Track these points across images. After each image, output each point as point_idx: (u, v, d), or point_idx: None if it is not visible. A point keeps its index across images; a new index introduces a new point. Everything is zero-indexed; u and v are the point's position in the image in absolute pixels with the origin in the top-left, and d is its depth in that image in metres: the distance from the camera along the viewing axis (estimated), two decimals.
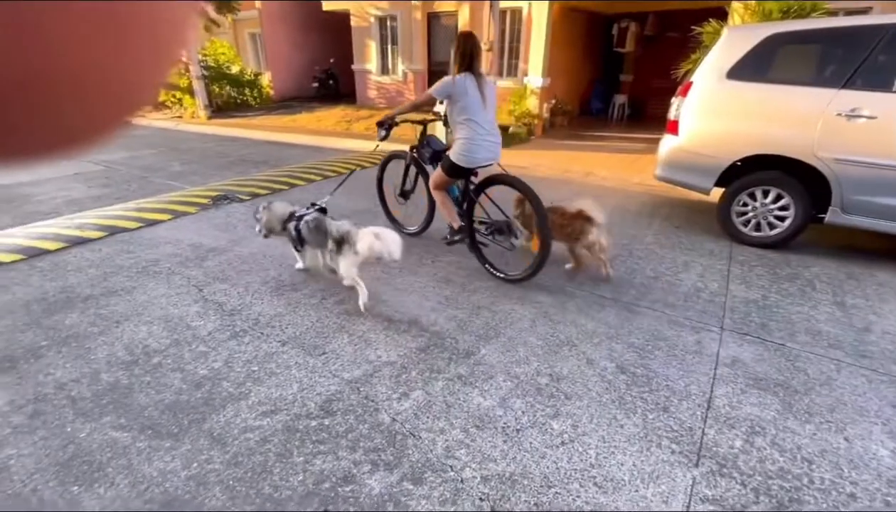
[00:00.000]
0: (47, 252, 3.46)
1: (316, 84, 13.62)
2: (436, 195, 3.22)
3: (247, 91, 13.22)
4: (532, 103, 8.39)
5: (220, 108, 12.59)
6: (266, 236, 3.07)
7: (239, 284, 3.04)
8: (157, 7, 0.21)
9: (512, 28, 10.22)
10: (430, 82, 11.88)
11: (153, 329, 2.52)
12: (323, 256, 2.75)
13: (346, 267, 2.61)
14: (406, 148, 3.64)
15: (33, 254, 3.41)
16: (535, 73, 8.27)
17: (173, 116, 12.30)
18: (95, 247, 3.59)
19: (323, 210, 2.96)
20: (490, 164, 2.97)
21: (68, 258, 3.38)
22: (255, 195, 5.01)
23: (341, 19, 13.45)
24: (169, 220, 4.21)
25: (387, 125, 3.31)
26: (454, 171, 2.97)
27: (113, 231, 3.87)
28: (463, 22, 10.60)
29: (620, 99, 11.28)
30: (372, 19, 12.18)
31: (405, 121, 3.39)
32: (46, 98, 0.19)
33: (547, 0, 7.72)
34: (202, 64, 12.10)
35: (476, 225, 3.22)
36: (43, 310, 2.69)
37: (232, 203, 4.77)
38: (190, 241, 3.74)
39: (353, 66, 12.94)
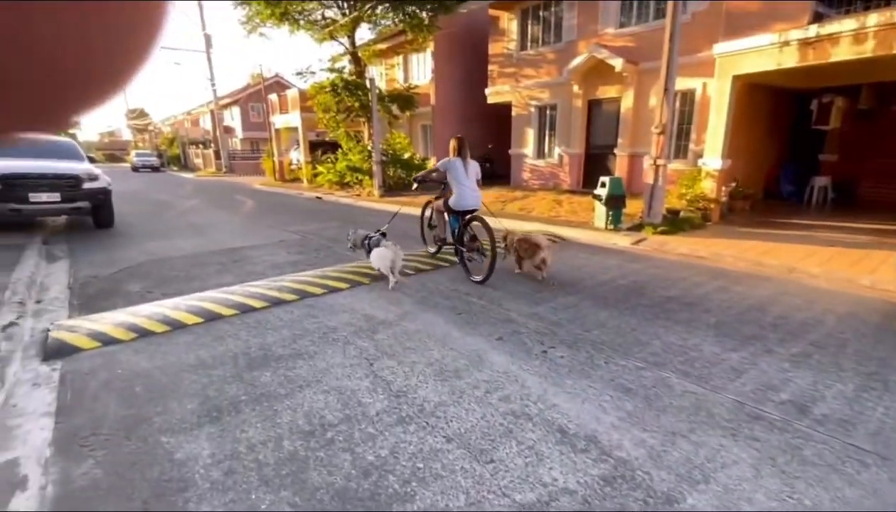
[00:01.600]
0: (254, 309, 4.04)
1: None
2: (438, 216, 5.59)
3: (413, 173, 14.91)
4: (707, 186, 7.58)
5: (390, 188, 14.34)
6: (352, 249, 5.25)
7: (405, 362, 3.06)
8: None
9: (682, 109, 9.70)
10: (588, 164, 11.80)
11: (329, 399, 2.62)
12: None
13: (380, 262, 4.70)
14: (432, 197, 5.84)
15: (245, 310, 4.02)
16: (712, 154, 7.54)
17: (353, 194, 14.38)
18: (289, 308, 4.08)
19: (384, 234, 5.14)
20: (475, 209, 4.99)
21: (269, 317, 3.89)
22: (418, 270, 5.29)
23: (501, 109, 14.56)
24: (347, 288, 4.64)
25: (419, 180, 5.63)
26: (449, 210, 5.06)
27: (303, 295, 4.39)
28: (626, 106, 10.46)
29: (821, 181, 9.54)
30: (532, 109, 12.88)
31: (430, 180, 5.64)
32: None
33: (728, 78, 7.14)
34: (382, 152, 14.11)
35: (464, 247, 4.98)
36: (246, 364, 3.05)
37: (400, 277, 5.09)
38: (363, 311, 4.01)
39: (511, 151, 13.66)
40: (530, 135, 13.06)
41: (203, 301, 4.20)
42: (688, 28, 8.84)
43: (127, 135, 69.90)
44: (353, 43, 14.41)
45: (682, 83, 9.44)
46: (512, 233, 5.18)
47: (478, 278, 4.75)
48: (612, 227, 7.24)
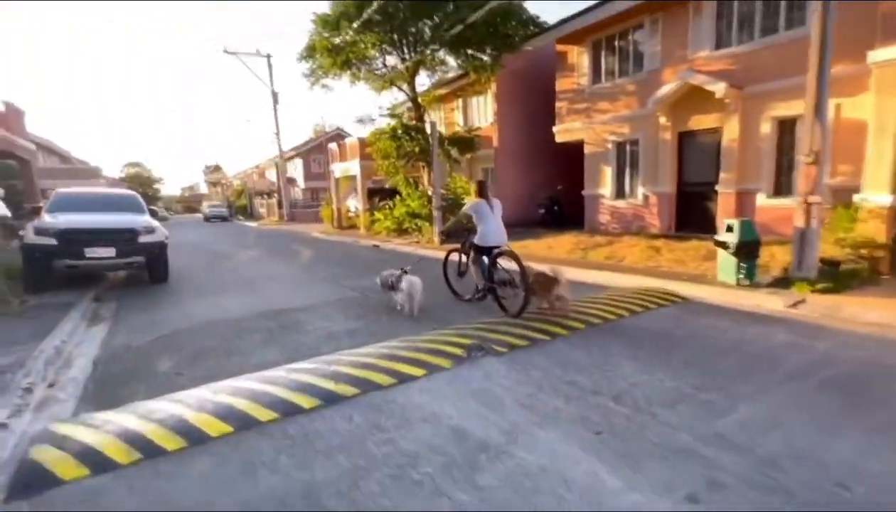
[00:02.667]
0: (301, 411, 2.93)
1: (542, 210, 13.49)
2: (472, 266, 5.47)
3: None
4: (872, 228, 5.84)
5: (450, 234, 13.42)
6: (385, 289, 5.54)
7: None
8: None
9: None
10: (681, 204, 10.24)
11: None
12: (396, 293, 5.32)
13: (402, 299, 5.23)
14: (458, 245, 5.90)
15: (288, 412, 2.92)
16: (876, 187, 5.86)
17: (412, 242, 13.56)
18: (347, 410, 2.94)
19: (405, 272, 5.37)
20: (500, 246, 5.15)
21: (319, 426, 2.76)
22: (513, 347, 4.03)
23: (571, 148, 13.43)
24: (422, 376, 3.46)
25: (447, 233, 7.13)
26: (476, 249, 5.26)
27: (366, 388, 3.24)
28: (730, 136, 8.95)
29: None
30: (609, 145, 11.64)
31: (460, 229, 5.88)
32: None
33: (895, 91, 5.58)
34: (443, 197, 13.32)
35: (495, 284, 5.12)
36: None
37: (487, 356, 3.85)
38: (451, 419, 2.78)
39: (585, 192, 12.38)
40: (607, 174, 11.75)
41: (237, 395, 3.16)
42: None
43: (204, 188, 76.02)
44: (412, 89, 14.10)
45: (790, 107, 7.90)
46: (530, 267, 4.92)
47: (514, 312, 4.84)
48: (746, 282, 5.66)
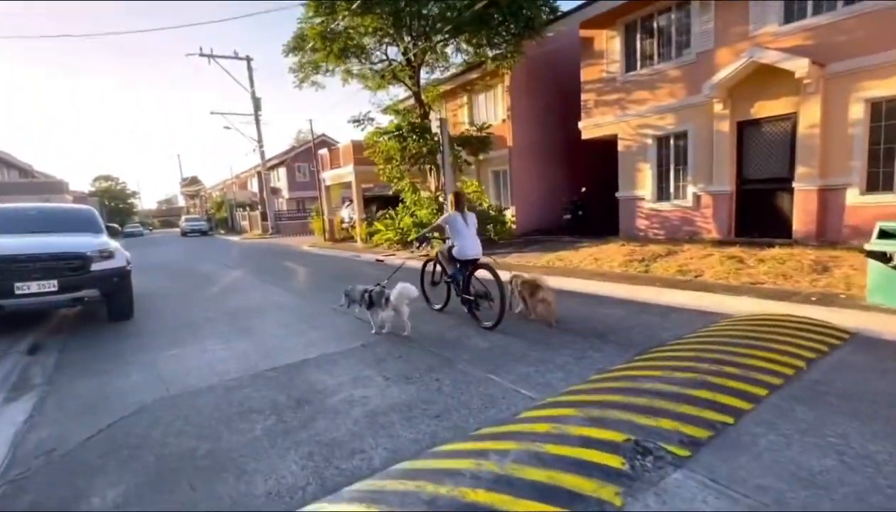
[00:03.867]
0: None
1: (568, 215, 12.01)
2: (446, 263, 5.45)
3: (489, 227, 12.37)
4: None
5: (421, 242, 11.85)
6: (346, 306, 5.13)
7: None
8: None
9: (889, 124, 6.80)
10: (741, 205, 8.88)
11: None
12: (382, 310, 4.80)
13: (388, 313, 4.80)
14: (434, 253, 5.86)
15: None
16: None
17: (420, 255, 11.94)
18: None
19: (383, 287, 4.89)
20: (476, 258, 5.11)
21: None
22: (696, 442, 2.46)
23: (597, 145, 12.03)
24: None
25: (420, 240, 6.13)
26: (451, 259, 5.24)
27: None
28: (809, 122, 7.61)
29: None
30: (648, 139, 10.24)
31: (433, 237, 6.04)
32: None
33: None
34: None
35: (471, 295, 5.07)
36: None
37: (662, 461, 2.28)
38: None
39: (619, 194, 10.95)
40: (646, 173, 10.35)
41: None
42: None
43: (182, 201, 72.97)
44: (416, 82, 12.52)
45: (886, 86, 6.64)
46: (517, 276, 5.23)
47: (488, 324, 4.82)
48: None
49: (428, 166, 12.29)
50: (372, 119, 12.94)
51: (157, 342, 5.24)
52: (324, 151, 18.87)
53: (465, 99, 14.77)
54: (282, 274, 10.76)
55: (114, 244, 6.45)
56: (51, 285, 5.52)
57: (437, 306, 5.78)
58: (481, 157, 12.97)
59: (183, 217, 45.33)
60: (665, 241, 9.51)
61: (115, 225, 7.41)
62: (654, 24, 9.93)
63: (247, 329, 5.57)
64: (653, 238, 10.12)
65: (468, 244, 5.07)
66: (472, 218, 5.23)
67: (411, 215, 12.21)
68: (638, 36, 10.28)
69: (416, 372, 3.79)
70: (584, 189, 12.49)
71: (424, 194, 12.98)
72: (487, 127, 12.29)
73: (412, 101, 13.27)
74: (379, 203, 17.70)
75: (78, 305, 5.91)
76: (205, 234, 36.45)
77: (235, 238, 30.07)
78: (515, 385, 3.39)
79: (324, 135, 34.62)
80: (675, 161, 9.87)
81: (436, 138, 11.72)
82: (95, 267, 5.85)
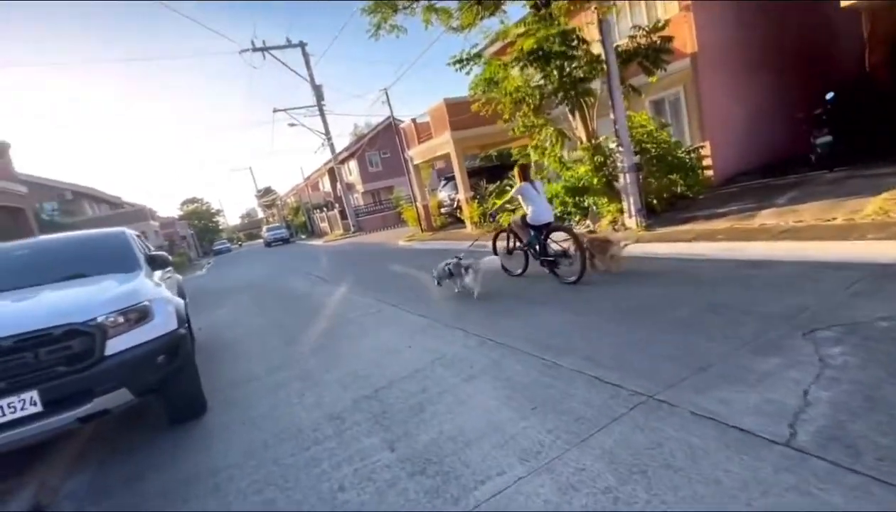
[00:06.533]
0: None
1: (826, 137, 7.46)
2: (520, 231, 5.81)
3: (673, 177, 8.29)
4: None
5: (655, 211, 7.92)
6: (439, 283, 5.87)
7: None
8: None
9: None
10: None
11: None
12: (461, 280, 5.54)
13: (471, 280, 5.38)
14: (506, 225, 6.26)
15: None
16: None
17: (586, 232, 8.25)
18: None
19: (460, 259, 5.61)
20: (550, 222, 5.51)
21: None
22: None
23: (850, 18, 7.41)
24: None
25: (494, 215, 6.80)
26: (526, 224, 5.58)
27: None
28: None
29: None
30: None
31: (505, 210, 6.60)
32: None
33: None
34: (636, 148, 7.81)
35: (549, 256, 5.45)
36: None
37: None
38: None
39: None
40: None
41: None
42: None
43: (261, 213, 75.26)
44: None
45: None
46: (584, 236, 5.50)
47: (572, 279, 5.10)
48: None
49: (576, 103, 8.42)
50: (479, 55, 9.29)
51: (252, 462, 2.25)
52: (407, 124, 15.62)
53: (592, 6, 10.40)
54: (401, 287, 7.63)
55: (153, 290, 3.52)
56: (28, 402, 2.65)
57: (518, 272, 6.08)
58: (654, 79, 8.69)
59: (264, 228, 45.41)
60: None
61: (163, 253, 4.54)
62: None
63: (431, 456, 2.31)
64: None
65: (542, 209, 5.49)
66: (540, 185, 5.80)
67: (567, 176, 8.48)
68: None
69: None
70: (830, 95, 7.89)
71: (560, 150, 9.13)
72: (662, 27, 8.07)
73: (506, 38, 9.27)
74: (486, 175, 14.14)
75: (92, 421, 3.01)
76: (287, 242, 35.56)
77: (318, 242, 28.33)
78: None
79: (392, 118, 31.67)
80: None
81: (590, 56, 7.84)
82: (115, 345, 2.92)
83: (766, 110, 9.12)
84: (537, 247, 5.55)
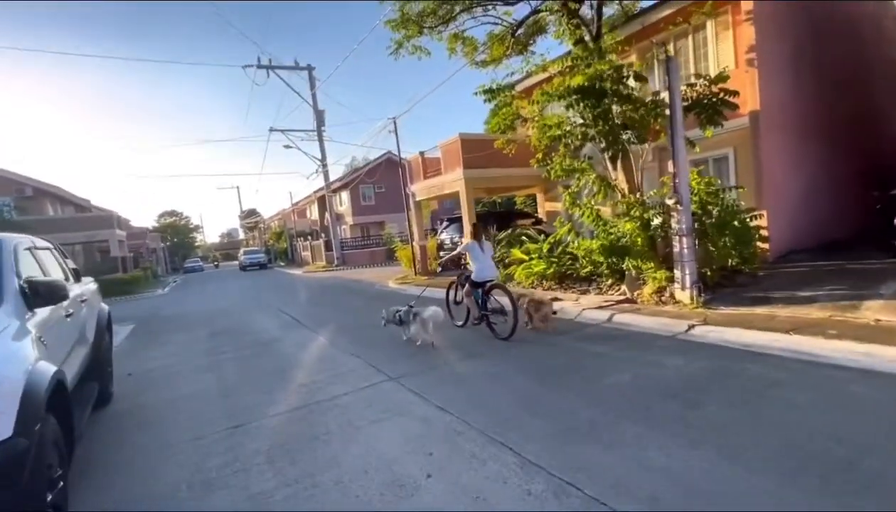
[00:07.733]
0: None
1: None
2: (467, 299, 6.08)
3: (725, 242, 7.00)
4: None
5: (709, 285, 6.59)
6: (385, 325, 6.02)
7: None
8: None
9: None
10: None
11: None
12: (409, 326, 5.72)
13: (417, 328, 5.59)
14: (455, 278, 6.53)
15: None
16: None
17: (607, 300, 6.88)
18: None
19: (411, 306, 5.80)
20: (492, 280, 5.88)
21: None
22: None
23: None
24: None
25: (443, 266, 8.13)
26: (472, 283, 5.90)
27: None
28: None
29: None
30: None
31: (452, 264, 7.35)
32: None
33: None
34: (697, 209, 6.59)
35: (487, 312, 5.80)
36: None
37: None
38: None
39: None
40: None
41: None
42: None
43: (242, 234, 72.72)
44: (599, 13, 7.65)
45: None
46: (523, 295, 5.95)
47: (504, 336, 5.48)
48: None
49: (618, 149, 7.24)
50: (512, 86, 8.19)
51: None
52: (412, 157, 14.41)
53: (652, 50, 9.51)
54: (398, 344, 5.95)
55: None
56: None
57: (459, 323, 6.46)
58: (710, 132, 7.63)
59: (241, 250, 43.18)
60: None
61: (58, 281, 2.91)
62: None
63: None
64: None
65: (485, 267, 5.89)
66: (487, 246, 6.16)
67: (605, 232, 7.14)
68: None
69: None
70: None
71: (596, 205, 7.85)
72: (726, 77, 7.08)
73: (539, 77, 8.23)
74: (495, 221, 12.84)
75: None
76: (263, 267, 33.49)
77: (297, 271, 26.39)
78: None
79: (389, 153, 30.76)
80: None
81: (648, 98, 6.75)
82: None
83: (825, 184, 8.16)
84: (478, 301, 5.91)
